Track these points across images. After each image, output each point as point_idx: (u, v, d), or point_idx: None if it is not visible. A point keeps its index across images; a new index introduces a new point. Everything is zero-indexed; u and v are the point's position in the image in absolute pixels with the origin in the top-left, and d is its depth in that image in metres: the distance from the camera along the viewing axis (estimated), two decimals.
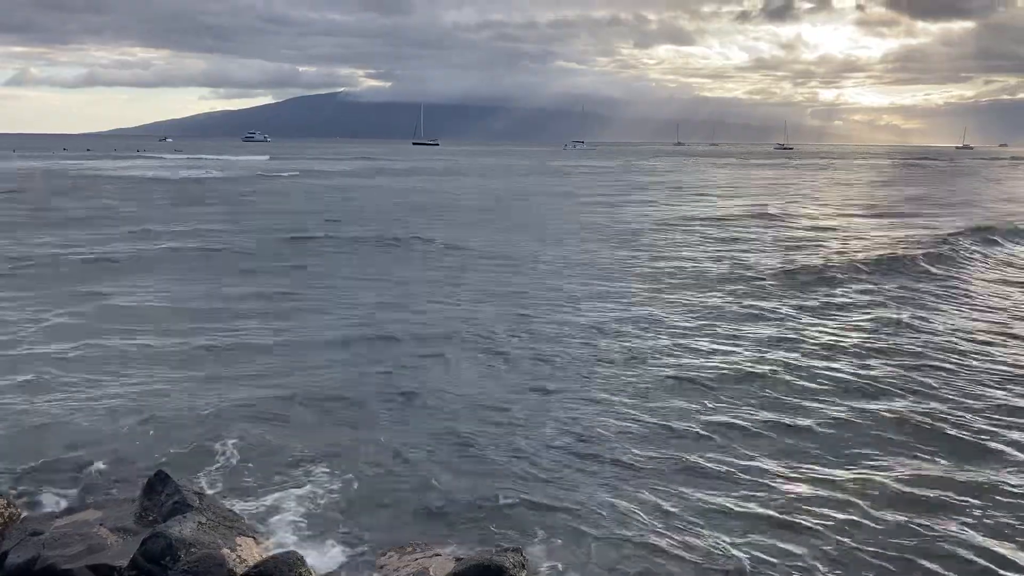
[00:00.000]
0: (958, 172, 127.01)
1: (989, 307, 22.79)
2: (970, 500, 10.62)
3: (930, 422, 13.21)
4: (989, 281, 26.98)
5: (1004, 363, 16.70)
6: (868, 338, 18.49)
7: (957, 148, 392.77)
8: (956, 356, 17.09)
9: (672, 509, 10.40)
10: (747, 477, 11.36)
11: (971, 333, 19.17)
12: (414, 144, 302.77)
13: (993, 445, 12.39)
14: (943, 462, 11.77)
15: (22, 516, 9.85)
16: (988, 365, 16.54)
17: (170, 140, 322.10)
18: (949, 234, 36.46)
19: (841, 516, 10.26)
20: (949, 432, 12.82)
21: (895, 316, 20.59)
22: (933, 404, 14.17)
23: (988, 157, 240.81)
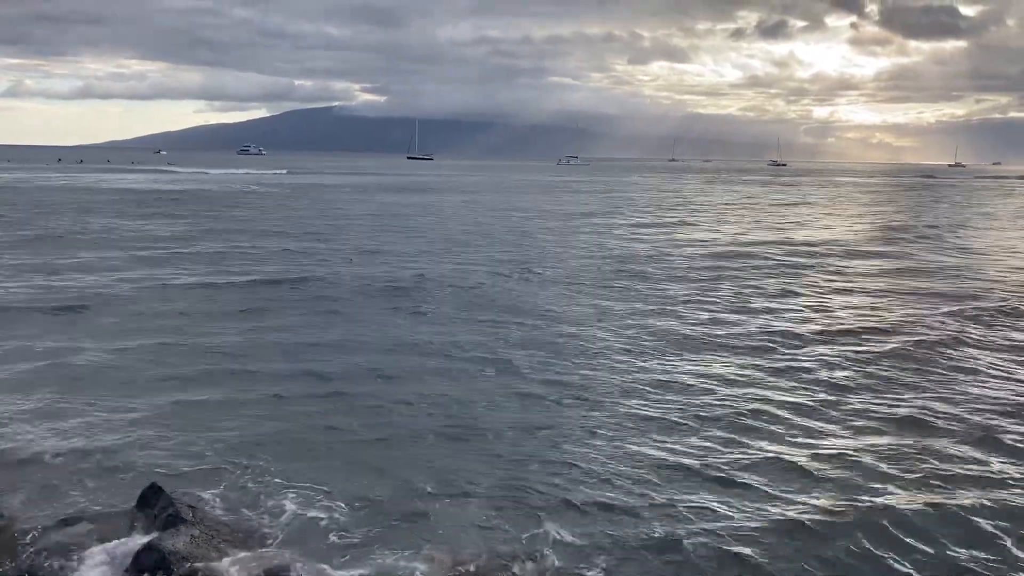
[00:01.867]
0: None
1: None
2: None
3: None
4: None
5: None
6: None
7: (949, 166, 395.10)
8: None
9: (670, 520, 10.46)
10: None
11: None
12: (408, 158, 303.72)
13: None
14: None
15: (15, 529, 9.85)
16: None
17: (164, 153, 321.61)
18: None
19: None
20: None
21: None
22: None
23: (996, 176, 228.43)
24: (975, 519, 10.57)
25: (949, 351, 19.24)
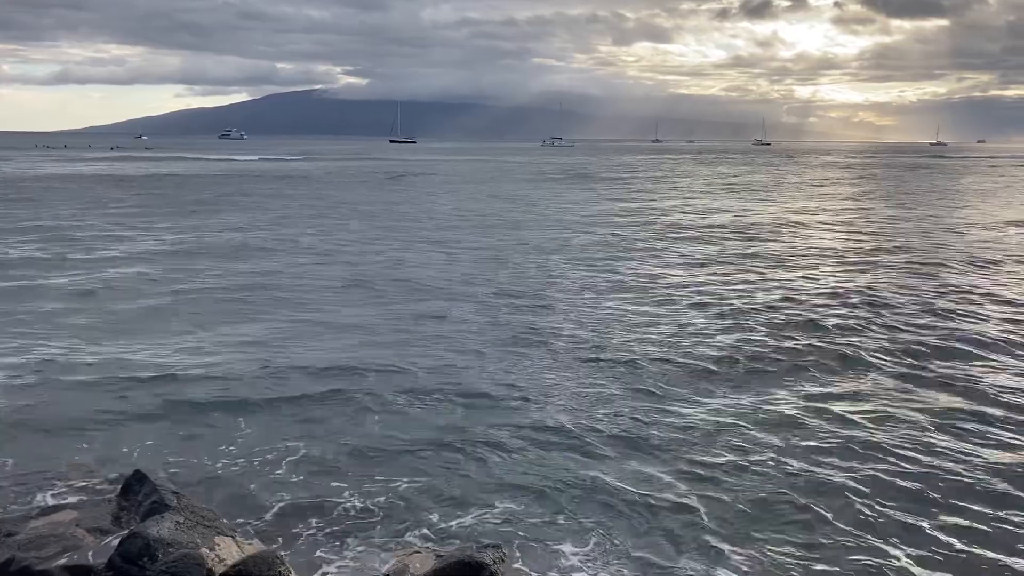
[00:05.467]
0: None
1: None
2: None
3: None
4: None
5: None
6: None
7: (931, 144, 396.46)
8: None
9: (648, 508, 10.48)
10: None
11: None
12: (391, 142, 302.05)
13: None
14: None
15: None
16: None
17: (145, 138, 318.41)
18: None
19: None
20: None
21: None
22: None
23: (994, 155, 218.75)
24: None
25: None
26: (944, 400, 14.39)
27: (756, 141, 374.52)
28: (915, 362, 16.67)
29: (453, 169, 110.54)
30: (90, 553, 8.82)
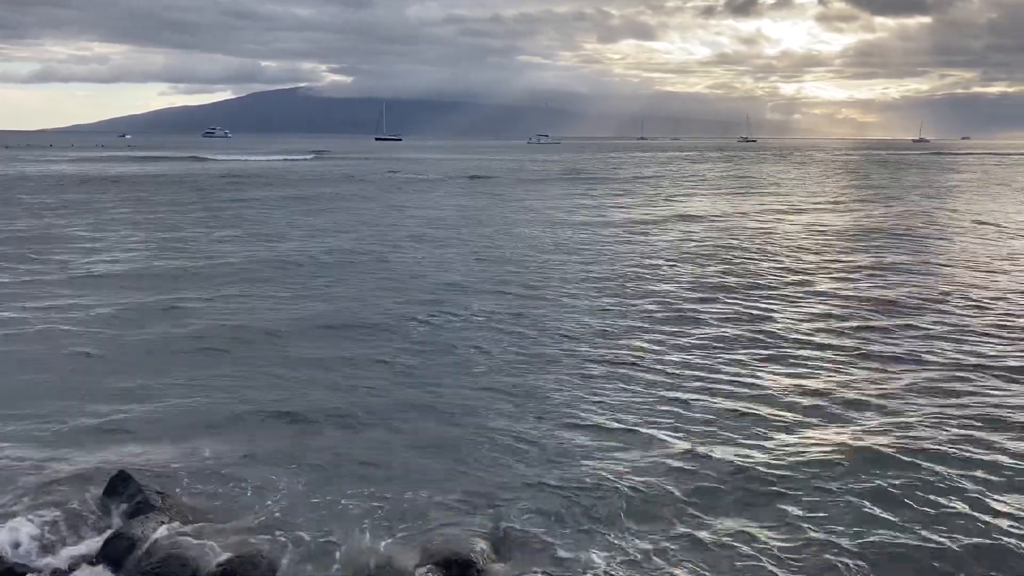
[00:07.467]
0: None
1: None
2: None
3: None
4: None
5: None
6: None
7: (914, 141, 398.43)
8: None
9: (644, 506, 10.51)
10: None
11: None
12: (376, 139, 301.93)
13: None
14: None
15: None
16: None
17: (129, 137, 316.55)
18: None
19: None
20: None
21: None
22: None
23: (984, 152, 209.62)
24: None
25: None
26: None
27: (742, 138, 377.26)
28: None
29: (499, 167, 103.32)
30: (75, 554, 8.80)
